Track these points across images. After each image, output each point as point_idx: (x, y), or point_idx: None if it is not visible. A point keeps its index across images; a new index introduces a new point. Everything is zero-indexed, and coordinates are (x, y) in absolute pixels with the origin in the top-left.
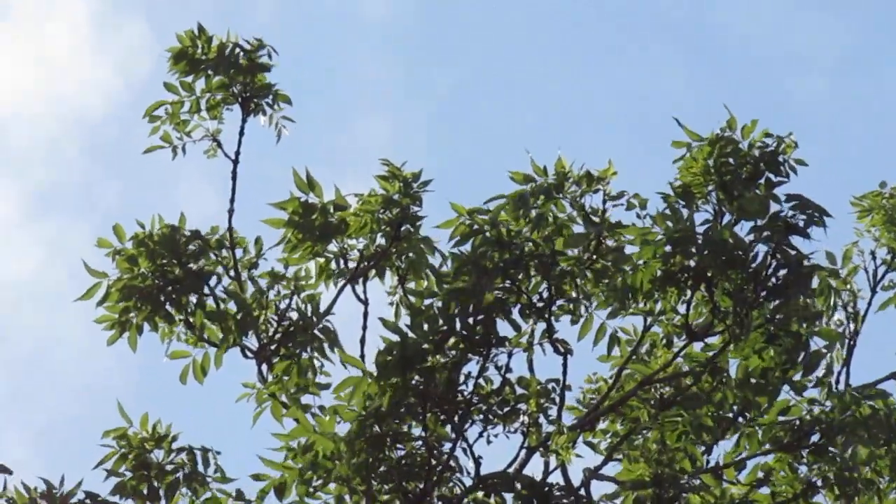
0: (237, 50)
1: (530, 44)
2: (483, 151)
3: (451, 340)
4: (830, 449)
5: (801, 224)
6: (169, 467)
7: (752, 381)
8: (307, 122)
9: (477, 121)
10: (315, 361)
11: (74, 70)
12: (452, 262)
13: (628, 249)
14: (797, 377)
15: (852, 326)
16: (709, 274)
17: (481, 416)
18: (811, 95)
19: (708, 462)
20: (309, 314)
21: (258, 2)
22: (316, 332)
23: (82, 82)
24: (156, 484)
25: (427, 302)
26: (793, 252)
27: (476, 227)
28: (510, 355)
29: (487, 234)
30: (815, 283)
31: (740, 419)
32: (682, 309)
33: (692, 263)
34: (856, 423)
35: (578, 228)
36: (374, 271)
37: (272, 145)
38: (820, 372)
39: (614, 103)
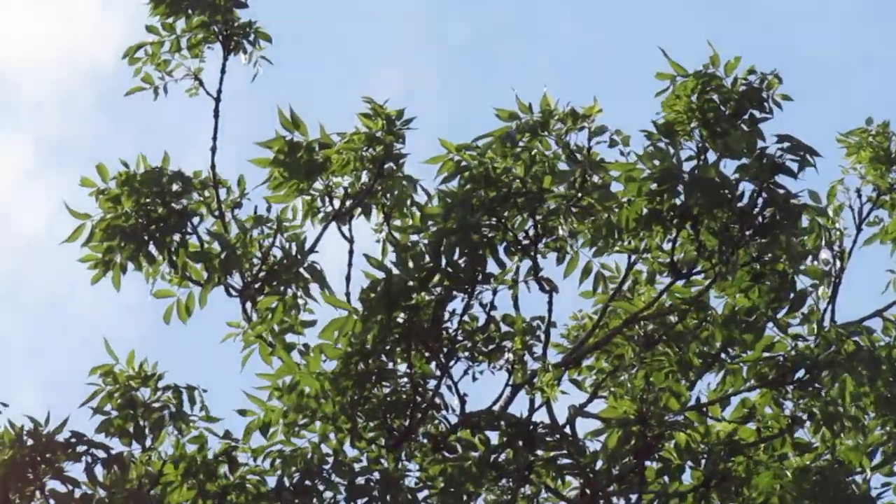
0: None
1: None
2: (495, 101)
3: (436, 277)
4: (815, 385)
5: (792, 164)
6: (155, 405)
7: (738, 318)
8: (319, 70)
9: (490, 70)
10: (299, 300)
11: (87, 20)
12: (439, 199)
13: (613, 187)
14: (782, 314)
15: (838, 264)
16: (694, 212)
17: (466, 354)
18: (821, 51)
19: (691, 398)
20: (293, 252)
21: None
22: (301, 270)
23: (94, 33)
24: (142, 422)
25: (412, 239)
26: (780, 191)
27: (464, 163)
28: (495, 292)
29: (475, 171)
30: (804, 222)
31: (724, 356)
32: (667, 247)
33: (678, 201)
34: (841, 359)
35: (563, 166)
36: (359, 209)
37: (280, 93)
38: (805, 309)
39: (624, 50)
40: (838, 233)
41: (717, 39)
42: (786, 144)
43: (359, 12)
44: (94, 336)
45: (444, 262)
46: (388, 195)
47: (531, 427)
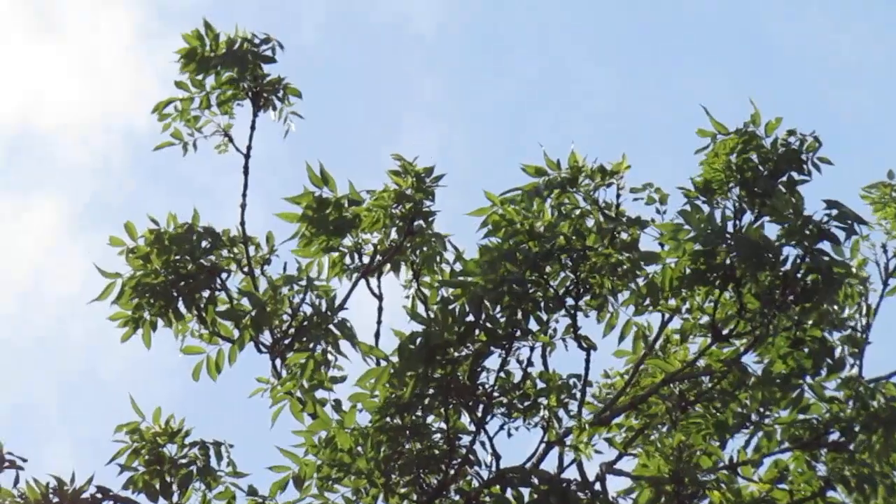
0: (245, 45)
1: (577, 54)
2: (529, 160)
3: (474, 333)
4: (849, 447)
5: (839, 233)
6: (182, 461)
7: (776, 381)
8: (355, 131)
9: (526, 129)
10: (329, 356)
11: (121, 82)
12: (481, 253)
13: (653, 245)
14: (818, 378)
15: (864, 321)
16: (738, 274)
17: (502, 410)
18: (855, 107)
19: (724, 457)
20: (323, 309)
21: (305, 18)
22: (331, 326)
23: (129, 94)
24: (168, 478)
25: (445, 293)
26: (825, 258)
27: (508, 217)
28: (532, 349)
29: (520, 225)
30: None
31: (756, 416)
32: (707, 308)
33: (722, 262)
34: (870, 416)
35: (591, 222)
36: (388, 266)
37: (313, 149)
38: (843, 374)
39: (660, 112)
40: (864, 288)
41: (754, 95)
42: (833, 211)
43: (395, 71)
44: (126, 397)
45: (483, 316)
46: (418, 252)
47: (564, 484)
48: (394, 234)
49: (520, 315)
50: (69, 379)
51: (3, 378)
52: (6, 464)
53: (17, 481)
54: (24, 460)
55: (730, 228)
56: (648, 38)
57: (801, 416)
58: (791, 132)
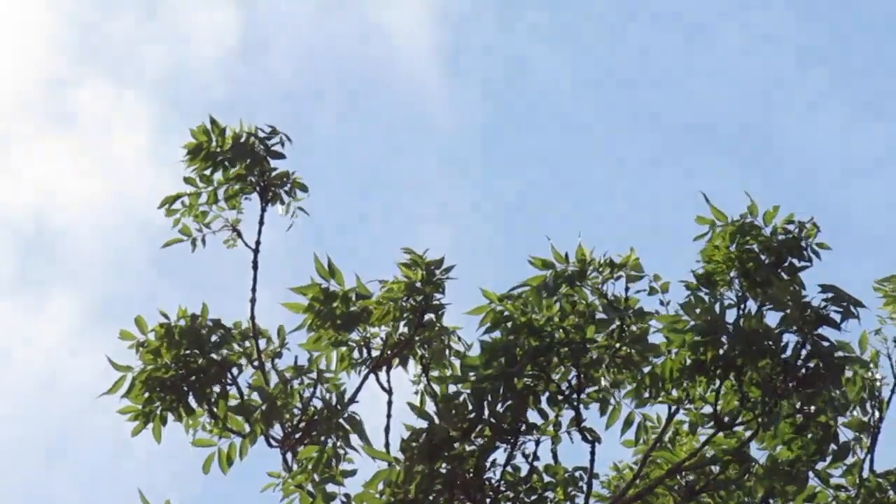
0: (251, 139)
1: (592, 154)
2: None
3: (479, 427)
4: None
5: (835, 316)
6: None
7: (781, 469)
8: (370, 227)
9: (540, 227)
10: (339, 450)
11: (138, 177)
12: (481, 349)
13: (654, 337)
14: (824, 465)
15: (877, 414)
16: (738, 363)
17: None
18: (868, 205)
19: None
20: (333, 403)
21: (319, 114)
22: (341, 421)
23: (145, 188)
24: None
25: (452, 388)
26: (825, 343)
27: (507, 313)
28: (538, 443)
29: (518, 320)
30: (846, 373)
31: None
32: (709, 397)
33: (721, 352)
34: None
35: (602, 316)
36: (397, 360)
37: (334, 247)
38: (848, 461)
39: (672, 212)
40: (877, 382)
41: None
42: (829, 295)
43: (409, 169)
44: (147, 492)
45: (486, 412)
46: (426, 346)
47: None
48: (402, 328)
49: (522, 409)
50: (87, 475)
51: (20, 474)
52: None
53: None
54: None
55: (732, 317)
56: (662, 136)
57: None
58: (789, 220)
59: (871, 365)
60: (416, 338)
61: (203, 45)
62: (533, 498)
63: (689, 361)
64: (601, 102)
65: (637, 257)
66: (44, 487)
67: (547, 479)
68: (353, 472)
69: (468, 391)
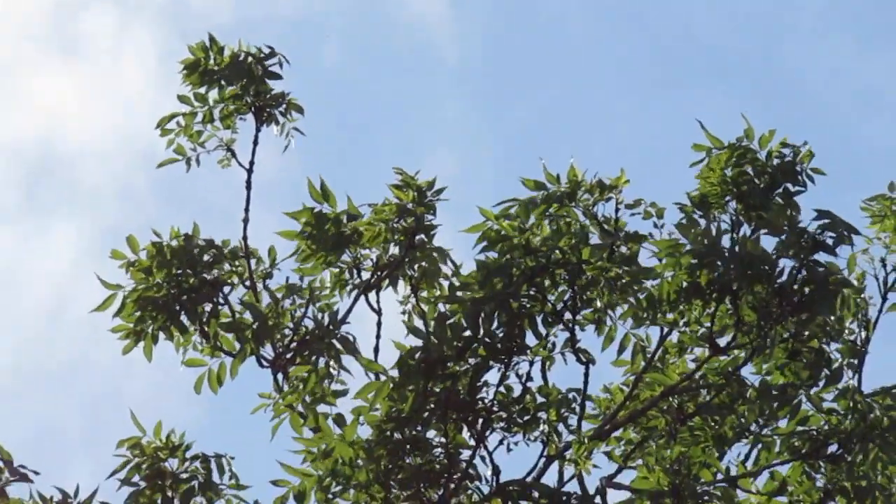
0: (249, 59)
1: (597, 82)
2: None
3: (473, 347)
4: (847, 458)
5: (830, 241)
6: (183, 476)
7: (773, 392)
8: (376, 154)
9: (546, 152)
10: (331, 370)
11: (143, 106)
12: (478, 268)
13: (648, 261)
14: (816, 389)
15: (864, 334)
16: (734, 287)
17: (502, 424)
18: (878, 136)
19: (723, 470)
20: (325, 323)
21: (328, 41)
22: (333, 340)
23: (151, 116)
24: (170, 493)
25: (444, 308)
26: (820, 269)
27: (503, 232)
28: (531, 364)
29: (515, 240)
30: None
31: (755, 427)
32: (704, 318)
33: (717, 275)
34: (869, 429)
35: (592, 237)
36: (387, 281)
37: (339, 176)
38: (840, 385)
39: (677, 141)
40: (863, 302)
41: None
42: (824, 221)
43: (417, 95)
44: (152, 418)
45: (481, 331)
46: (416, 267)
47: (564, 498)
48: (393, 250)
49: (517, 329)
50: (93, 401)
51: (27, 400)
52: (17, 477)
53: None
54: (37, 473)
55: (727, 242)
56: (668, 67)
57: (799, 428)
58: (784, 144)
59: (857, 284)
60: (406, 259)
61: None
62: (525, 418)
63: (685, 284)
64: (606, 30)
65: (627, 179)
66: (52, 412)
67: (540, 399)
68: (344, 392)
69: (462, 311)
